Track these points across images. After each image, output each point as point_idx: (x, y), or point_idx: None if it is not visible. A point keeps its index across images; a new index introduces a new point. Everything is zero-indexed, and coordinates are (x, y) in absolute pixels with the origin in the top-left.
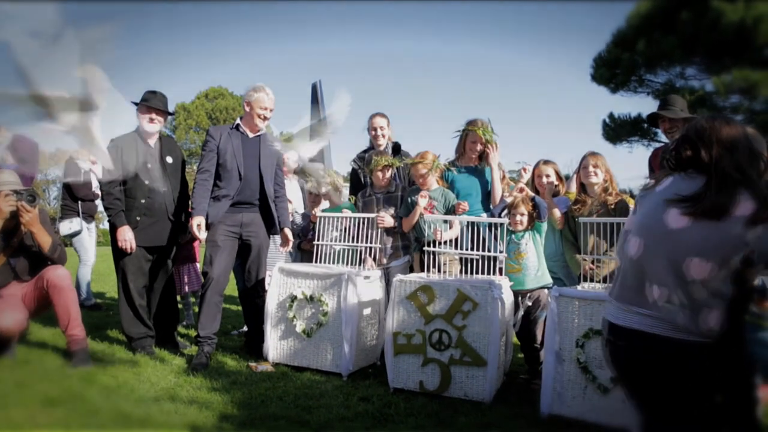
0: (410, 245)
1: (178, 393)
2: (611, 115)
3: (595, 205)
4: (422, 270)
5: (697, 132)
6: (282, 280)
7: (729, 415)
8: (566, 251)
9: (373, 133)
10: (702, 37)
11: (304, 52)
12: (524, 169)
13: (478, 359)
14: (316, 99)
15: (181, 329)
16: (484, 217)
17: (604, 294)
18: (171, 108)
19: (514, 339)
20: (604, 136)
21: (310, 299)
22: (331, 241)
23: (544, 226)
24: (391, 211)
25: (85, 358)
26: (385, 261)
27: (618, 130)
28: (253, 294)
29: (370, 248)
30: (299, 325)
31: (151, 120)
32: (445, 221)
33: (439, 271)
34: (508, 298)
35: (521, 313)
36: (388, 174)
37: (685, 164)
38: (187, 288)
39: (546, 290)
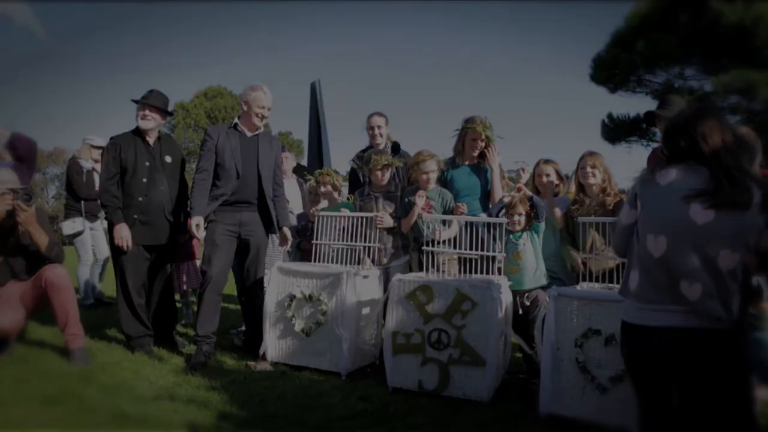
0: (410, 245)
1: (177, 392)
2: (610, 115)
3: (593, 205)
4: (421, 270)
5: (686, 121)
6: (281, 279)
7: (730, 414)
8: (562, 245)
9: (371, 132)
10: (701, 37)
11: (303, 52)
12: (522, 169)
13: (477, 359)
14: (315, 98)
15: (179, 328)
16: (482, 217)
17: (604, 294)
18: (170, 107)
19: (513, 339)
20: (603, 136)
21: (309, 298)
22: (330, 240)
23: (542, 226)
24: (390, 210)
25: (83, 357)
26: (385, 261)
27: (617, 130)
28: (251, 293)
29: (368, 248)
30: (298, 325)
31: (144, 116)
32: (444, 221)
33: (437, 270)
34: (506, 297)
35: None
36: (388, 173)
37: (682, 155)
38: (186, 285)
39: (543, 290)
